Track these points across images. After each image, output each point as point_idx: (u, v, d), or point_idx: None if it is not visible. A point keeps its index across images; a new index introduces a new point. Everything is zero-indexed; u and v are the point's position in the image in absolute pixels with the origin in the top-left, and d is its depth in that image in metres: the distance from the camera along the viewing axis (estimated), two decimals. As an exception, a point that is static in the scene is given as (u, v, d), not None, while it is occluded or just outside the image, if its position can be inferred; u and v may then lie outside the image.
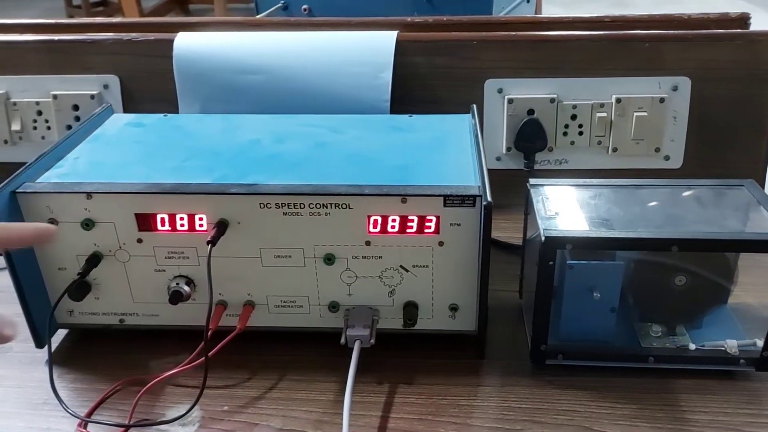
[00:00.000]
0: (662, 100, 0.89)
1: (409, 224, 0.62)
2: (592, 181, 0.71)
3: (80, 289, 0.66)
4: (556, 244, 0.60)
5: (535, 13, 1.69)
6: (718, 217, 0.68)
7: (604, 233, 0.61)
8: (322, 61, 0.91)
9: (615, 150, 0.92)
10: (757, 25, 0.93)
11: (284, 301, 0.67)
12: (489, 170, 0.63)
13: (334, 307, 0.66)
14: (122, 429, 0.60)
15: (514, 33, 0.92)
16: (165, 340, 0.68)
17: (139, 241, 0.65)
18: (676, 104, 0.90)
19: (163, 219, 0.63)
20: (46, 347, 0.66)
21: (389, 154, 0.70)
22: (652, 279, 0.65)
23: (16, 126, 0.97)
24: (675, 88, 0.89)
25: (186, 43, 0.93)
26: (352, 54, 0.91)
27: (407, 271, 0.65)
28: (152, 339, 0.69)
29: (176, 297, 0.65)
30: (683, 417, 0.60)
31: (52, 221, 0.64)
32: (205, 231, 0.63)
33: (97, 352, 0.69)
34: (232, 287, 0.66)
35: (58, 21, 1.04)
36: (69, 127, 0.96)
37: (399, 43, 0.91)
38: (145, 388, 0.62)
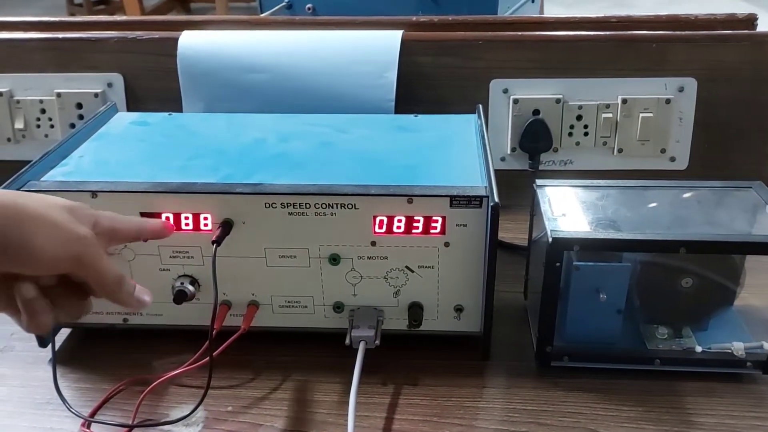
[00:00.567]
0: (668, 101, 0.89)
1: (414, 225, 0.62)
2: (598, 182, 0.71)
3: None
4: (563, 245, 0.60)
5: (539, 14, 1.68)
6: (725, 219, 0.67)
7: (611, 234, 0.61)
8: (326, 61, 0.91)
9: (620, 151, 0.92)
10: (761, 26, 0.93)
11: (289, 302, 0.67)
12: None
13: (338, 307, 0.66)
14: (126, 429, 0.60)
15: (519, 33, 0.92)
16: (169, 340, 0.68)
17: (144, 240, 0.64)
18: (682, 105, 0.90)
19: (168, 218, 0.63)
20: (50, 346, 0.66)
21: (395, 154, 0.70)
22: (659, 281, 0.65)
23: (19, 124, 0.97)
24: (681, 89, 0.89)
25: (190, 41, 0.93)
26: (357, 53, 0.91)
27: (412, 271, 0.64)
28: (156, 339, 0.69)
29: (180, 296, 0.65)
30: (689, 420, 0.60)
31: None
32: (210, 230, 0.63)
33: (101, 352, 0.69)
34: (236, 287, 0.66)
35: (62, 19, 1.04)
36: (72, 126, 0.96)
37: (404, 43, 0.90)
38: (148, 388, 0.62)
